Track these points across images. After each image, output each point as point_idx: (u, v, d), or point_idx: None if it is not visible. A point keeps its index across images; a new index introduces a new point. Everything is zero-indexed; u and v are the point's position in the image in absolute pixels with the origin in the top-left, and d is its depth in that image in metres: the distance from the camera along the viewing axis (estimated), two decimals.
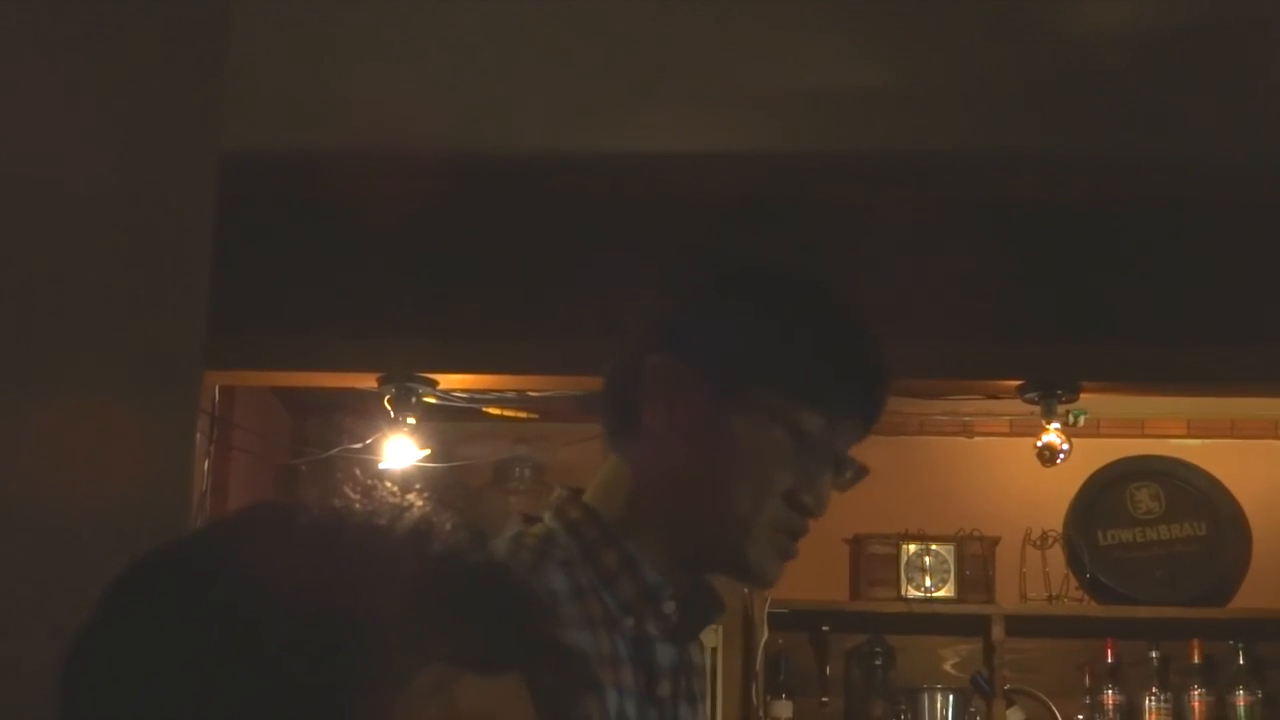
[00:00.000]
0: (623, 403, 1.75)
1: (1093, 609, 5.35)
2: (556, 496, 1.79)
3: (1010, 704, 5.28)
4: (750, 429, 1.69)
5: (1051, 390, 4.25)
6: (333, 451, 5.21)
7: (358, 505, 0.84)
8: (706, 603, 1.78)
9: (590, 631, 1.64)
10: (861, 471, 1.78)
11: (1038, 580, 5.42)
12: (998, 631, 5.25)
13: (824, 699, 5.36)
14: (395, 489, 0.85)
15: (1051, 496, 5.34)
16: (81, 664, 0.82)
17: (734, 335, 1.72)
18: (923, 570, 5.34)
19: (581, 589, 1.67)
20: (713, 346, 1.72)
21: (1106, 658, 5.28)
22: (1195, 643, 5.20)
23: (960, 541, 5.36)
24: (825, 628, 5.31)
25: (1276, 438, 5.63)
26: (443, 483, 5.15)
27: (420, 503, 0.84)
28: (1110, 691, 5.26)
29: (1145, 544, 5.37)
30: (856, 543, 5.34)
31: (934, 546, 5.35)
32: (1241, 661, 5.20)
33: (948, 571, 5.34)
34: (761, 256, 1.86)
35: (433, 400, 4.48)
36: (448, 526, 0.83)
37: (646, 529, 1.72)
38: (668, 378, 1.70)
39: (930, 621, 5.36)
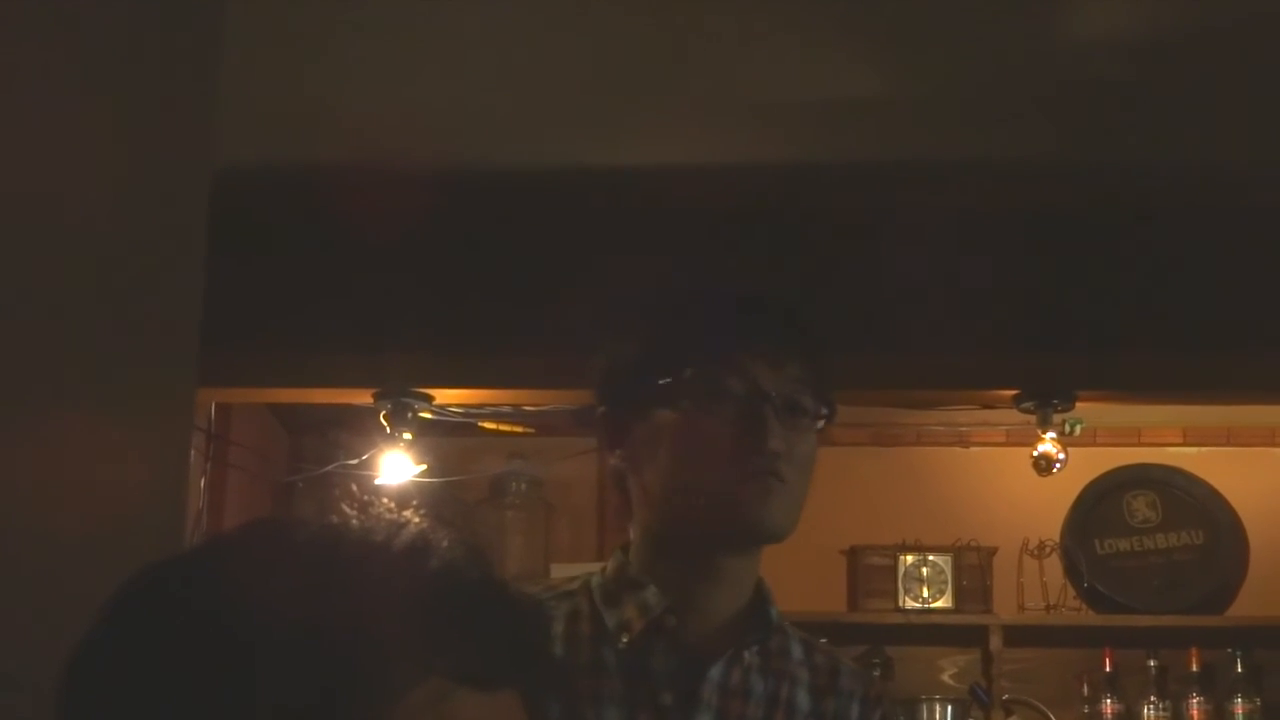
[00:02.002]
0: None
1: (1090, 618, 5.35)
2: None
3: (1009, 714, 5.27)
4: (671, 420, 1.84)
5: (1047, 400, 4.25)
6: (329, 468, 5.21)
7: (355, 521, 0.84)
8: (748, 623, 1.88)
9: (572, 646, 1.79)
10: (771, 405, 1.85)
11: (1035, 590, 5.42)
12: (996, 642, 5.24)
13: None
14: (392, 505, 0.86)
15: (1048, 506, 5.34)
16: (79, 681, 0.82)
17: (623, 358, 1.92)
18: (920, 581, 5.34)
19: (577, 612, 1.83)
20: (615, 380, 1.92)
21: (1105, 667, 5.27)
22: (1193, 651, 5.20)
23: (957, 552, 5.36)
24: (823, 639, 5.29)
25: (1273, 445, 5.64)
26: (439, 498, 5.14)
27: (418, 519, 0.84)
28: (1109, 700, 5.26)
29: (1143, 553, 5.38)
30: (853, 554, 5.34)
31: (931, 557, 5.35)
32: (1240, 669, 5.19)
33: (945, 582, 5.34)
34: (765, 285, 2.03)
35: (429, 415, 4.48)
36: (445, 542, 0.83)
37: (651, 552, 1.86)
38: (605, 423, 1.91)
39: (928, 632, 5.36)
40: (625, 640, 1.78)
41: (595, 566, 1.94)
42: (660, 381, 1.84)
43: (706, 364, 1.85)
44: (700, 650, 1.82)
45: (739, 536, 1.84)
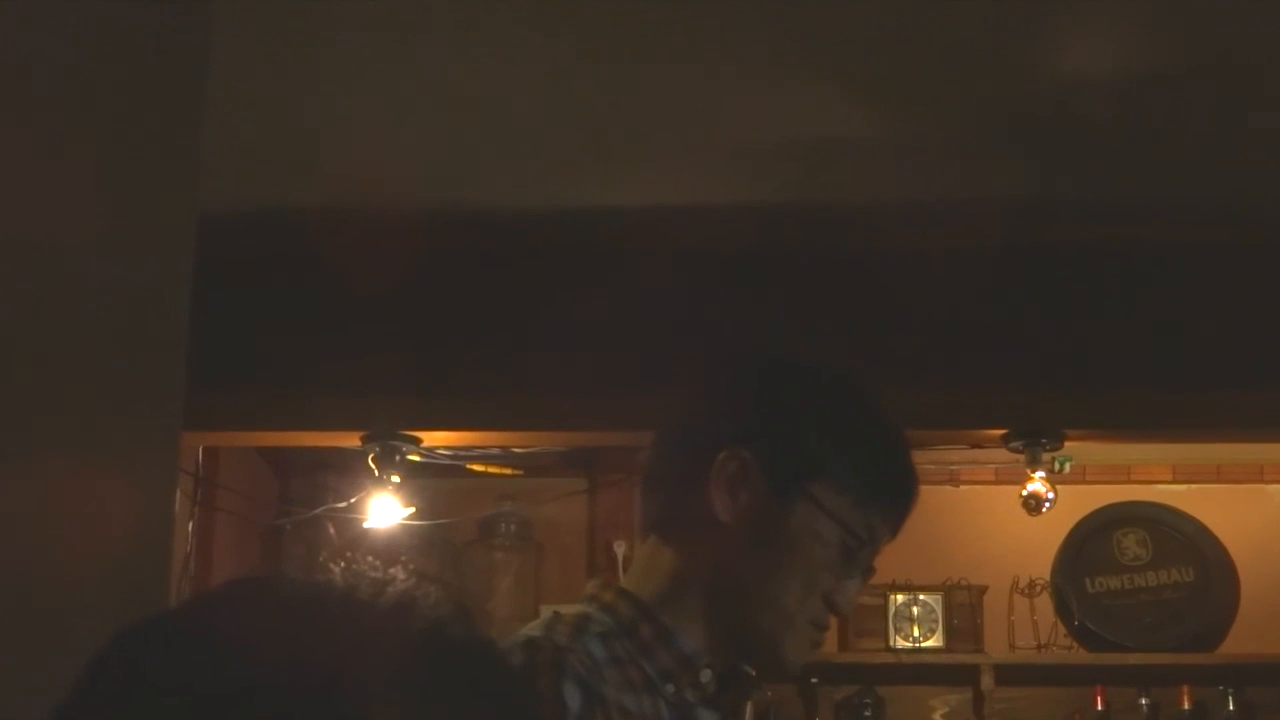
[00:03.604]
0: (675, 489, 1.82)
1: (1082, 657, 5.34)
2: (590, 586, 1.85)
3: None
4: (810, 529, 1.77)
5: (1036, 438, 4.25)
6: (318, 511, 5.20)
7: (341, 577, 0.83)
8: (740, 679, 1.83)
9: (634, 694, 1.70)
10: (871, 574, 1.86)
11: (1026, 629, 5.41)
12: (987, 681, 5.23)
13: None
14: (379, 561, 0.85)
15: (1038, 544, 5.34)
16: None
17: (810, 439, 1.80)
18: (911, 620, 5.33)
19: (619, 658, 1.72)
20: (787, 446, 1.80)
21: (1096, 705, 5.26)
22: (1185, 689, 5.19)
23: (948, 591, 5.35)
24: (814, 680, 5.29)
25: (1262, 482, 5.63)
26: (428, 540, 5.13)
27: (404, 575, 0.83)
28: None
29: (1133, 590, 5.37)
30: None
31: (922, 596, 5.34)
32: (1231, 707, 5.19)
33: (936, 621, 5.33)
34: (822, 362, 1.94)
35: (417, 458, 4.47)
36: (431, 600, 0.83)
37: (687, 610, 1.78)
38: (738, 471, 1.77)
39: (919, 671, 5.35)
40: (671, 690, 1.74)
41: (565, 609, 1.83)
42: (831, 488, 1.77)
43: (882, 537, 1.82)
44: (721, 706, 1.81)
45: (762, 665, 1.82)
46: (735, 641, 1.78)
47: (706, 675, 1.76)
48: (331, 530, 4.93)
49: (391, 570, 0.83)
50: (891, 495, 1.82)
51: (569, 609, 1.80)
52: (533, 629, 1.73)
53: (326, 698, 0.76)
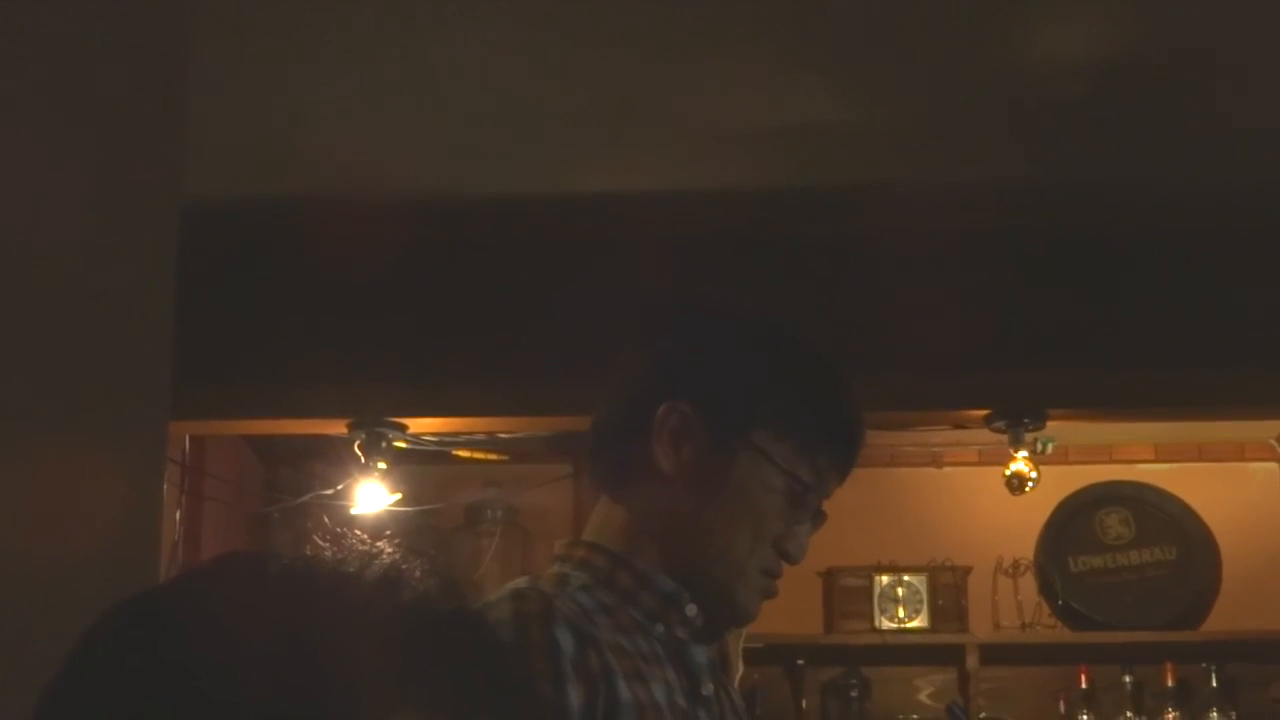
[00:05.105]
0: (620, 446, 1.83)
1: (1066, 635, 5.37)
2: (558, 546, 1.85)
3: None
4: (754, 477, 1.77)
5: (1018, 419, 4.27)
6: (305, 498, 5.20)
7: (328, 553, 0.84)
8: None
9: (627, 635, 1.71)
10: (822, 519, 1.85)
11: (1010, 608, 5.44)
12: (972, 661, 5.26)
13: None
14: (366, 536, 0.86)
15: (1022, 524, 5.36)
16: (51, 718, 0.81)
17: (748, 388, 1.80)
18: (896, 601, 5.35)
19: (606, 606, 1.73)
20: (726, 397, 1.80)
21: (1080, 684, 5.29)
22: (1168, 666, 5.22)
23: (932, 572, 5.38)
24: (800, 661, 5.31)
25: (1244, 460, 5.66)
26: (414, 527, 5.14)
27: (391, 550, 0.84)
28: (1085, 717, 5.27)
29: (1116, 569, 5.40)
30: (829, 575, 5.35)
31: (906, 577, 5.37)
32: (1214, 684, 5.21)
33: (921, 602, 5.35)
34: (760, 311, 1.93)
35: (403, 445, 4.48)
36: (418, 574, 0.83)
37: (647, 562, 1.78)
38: (679, 424, 1.78)
39: (904, 652, 5.37)
40: (661, 630, 1.75)
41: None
42: (772, 435, 1.76)
43: (830, 481, 1.81)
44: (707, 637, 1.82)
45: (717, 614, 1.81)
46: (691, 591, 1.77)
47: (692, 610, 1.77)
48: (325, 519, 4.94)
49: (379, 545, 0.84)
50: (834, 439, 1.82)
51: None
52: (518, 582, 1.74)
53: (316, 670, 0.77)
